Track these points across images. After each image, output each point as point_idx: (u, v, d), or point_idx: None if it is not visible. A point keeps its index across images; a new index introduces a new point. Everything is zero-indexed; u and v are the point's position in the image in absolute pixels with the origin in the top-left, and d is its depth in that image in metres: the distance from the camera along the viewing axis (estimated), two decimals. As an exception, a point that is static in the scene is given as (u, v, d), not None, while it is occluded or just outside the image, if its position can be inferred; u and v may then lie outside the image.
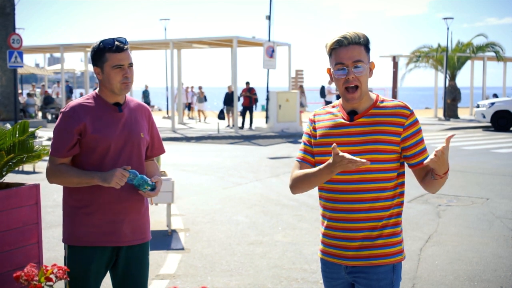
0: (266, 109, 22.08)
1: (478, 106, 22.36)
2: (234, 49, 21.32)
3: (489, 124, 21.80)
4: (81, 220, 2.93)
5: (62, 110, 2.96)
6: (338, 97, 25.94)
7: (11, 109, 19.77)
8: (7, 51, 17.10)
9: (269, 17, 22.15)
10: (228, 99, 23.12)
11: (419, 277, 5.29)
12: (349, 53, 2.44)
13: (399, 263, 2.57)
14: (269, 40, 21.59)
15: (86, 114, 2.90)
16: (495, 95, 30.79)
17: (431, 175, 2.45)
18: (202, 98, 28.11)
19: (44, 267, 2.69)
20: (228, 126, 23.28)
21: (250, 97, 22.19)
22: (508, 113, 21.00)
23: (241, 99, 22.43)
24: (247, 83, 22.85)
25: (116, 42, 2.89)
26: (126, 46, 2.91)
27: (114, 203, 2.93)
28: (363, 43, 2.48)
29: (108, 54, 2.87)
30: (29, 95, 26.89)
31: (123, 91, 2.92)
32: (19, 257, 3.87)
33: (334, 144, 2.32)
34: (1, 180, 4.04)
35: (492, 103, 21.53)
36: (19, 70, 25.48)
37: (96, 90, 3.03)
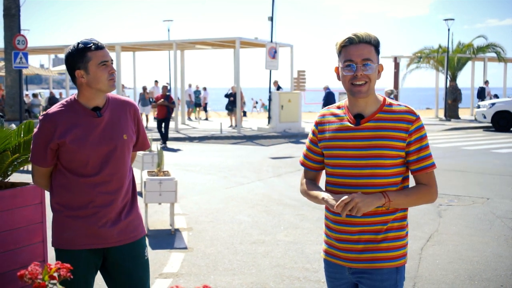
0: (268, 109, 22.06)
1: (478, 107, 22.37)
2: (237, 50, 21.37)
3: (490, 125, 21.82)
4: (65, 223, 2.86)
5: (40, 117, 2.87)
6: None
7: (16, 110, 19.87)
8: (12, 52, 17.20)
9: (271, 18, 22.16)
10: (231, 100, 23.19)
11: (420, 276, 5.33)
12: (359, 50, 2.43)
13: (403, 265, 2.58)
14: (271, 41, 21.61)
15: (61, 123, 2.81)
16: (496, 96, 30.77)
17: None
18: (147, 101, 24.57)
19: (47, 266, 2.73)
20: (231, 126, 23.34)
21: (167, 106, 16.47)
22: (509, 114, 21.03)
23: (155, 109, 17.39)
24: (164, 87, 16.99)
25: (93, 41, 2.83)
26: (104, 44, 2.87)
27: (95, 206, 2.85)
28: (374, 44, 2.46)
29: (90, 53, 2.79)
30: (34, 95, 27.03)
31: (111, 87, 2.85)
32: (24, 255, 3.89)
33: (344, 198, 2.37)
34: (7, 180, 4.07)
35: (493, 104, 21.55)
36: (24, 71, 25.56)
37: (75, 95, 2.91)
